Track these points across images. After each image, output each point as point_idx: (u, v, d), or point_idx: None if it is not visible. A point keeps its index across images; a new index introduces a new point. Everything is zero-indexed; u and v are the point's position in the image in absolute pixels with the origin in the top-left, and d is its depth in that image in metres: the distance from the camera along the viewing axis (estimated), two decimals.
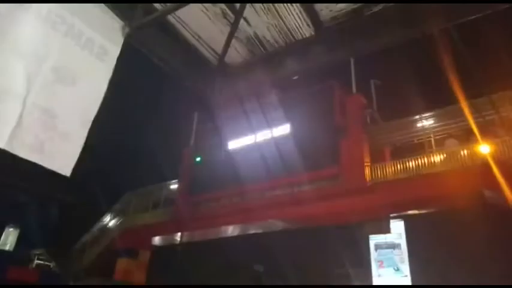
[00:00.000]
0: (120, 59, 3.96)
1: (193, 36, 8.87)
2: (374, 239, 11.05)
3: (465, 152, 9.23)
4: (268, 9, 9.17)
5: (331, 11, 9.67)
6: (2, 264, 11.09)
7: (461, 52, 9.73)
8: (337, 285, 10.68)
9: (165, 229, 13.57)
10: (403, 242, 10.67)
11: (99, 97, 3.75)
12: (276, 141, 11.96)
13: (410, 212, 9.96)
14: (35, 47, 3.19)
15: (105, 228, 15.57)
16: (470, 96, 9.39)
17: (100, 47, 3.79)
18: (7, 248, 14.00)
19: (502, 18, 9.15)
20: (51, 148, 3.29)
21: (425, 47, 9.97)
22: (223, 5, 8.62)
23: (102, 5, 3.99)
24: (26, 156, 3.11)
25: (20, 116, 3.03)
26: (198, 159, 13.85)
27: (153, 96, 13.05)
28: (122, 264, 14.01)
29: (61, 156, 3.39)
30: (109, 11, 4.11)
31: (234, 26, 8.78)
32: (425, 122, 10.37)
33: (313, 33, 10.12)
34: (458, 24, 10.06)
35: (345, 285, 11.20)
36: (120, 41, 4.09)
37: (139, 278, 13.96)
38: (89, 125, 3.62)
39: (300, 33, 10.11)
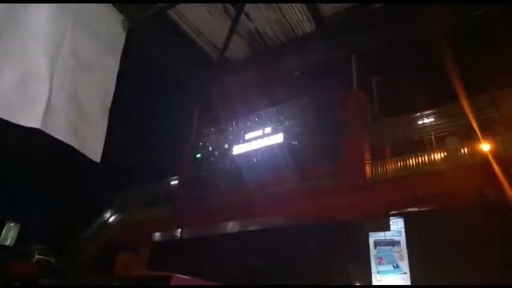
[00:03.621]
0: (123, 52, 3.97)
1: (194, 31, 8.87)
2: (374, 236, 11.07)
3: (466, 149, 9.21)
4: (270, 5, 9.15)
5: (332, 6, 9.66)
6: (2, 259, 11.13)
7: (463, 49, 9.71)
8: (338, 285, 10.70)
9: (165, 225, 13.59)
10: (402, 239, 10.70)
11: (112, 86, 3.78)
12: (277, 139, 11.95)
13: (410, 209, 9.96)
14: (51, 32, 3.19)
15: (105, 223, 15.59)
16: (472, 93, 9.36)
17: (105, 40, 3.81)
18: (8, 243, 14.04)
19: (505, 15, 9.14)
20: (82, 132, 3.28)
21: (427, 43, 9.93)
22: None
23: None
24: (61, 138, 3.08)
25: (49, 99, 3.02)
26: (198, 155, 13.84)
27: (153, 91, 13.02)
28: (122, 259, 14.03)
29: (91, 142, 3.38)
30: (110, 5, 4.13)
31: (235, 22, 8.75)
32: (426, 119, 10.35)
33: (314, 28, 10.11)
34: (460, 21, 10.05)
35: (346, 285, 11.23)
36: (122, 35, 4.10)
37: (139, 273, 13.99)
38: (107, 113, 3.62)
39: (301, 28, 10.09)
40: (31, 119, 2.90)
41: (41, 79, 3.03)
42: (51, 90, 3.06)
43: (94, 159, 3.34)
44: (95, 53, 3.64)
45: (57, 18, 3.28)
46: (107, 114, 3.63)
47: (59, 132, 3.08)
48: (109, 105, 3.67)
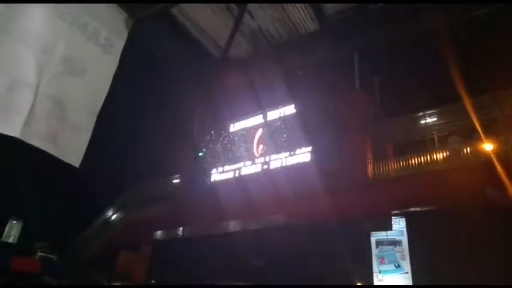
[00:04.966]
0: (124, 51, 3.93)
1: (197, 29, 8.87)
2: (375, 236, 11.11)
3: (468, 149, 9.19)
4: (273, 4, 9.13)
5: (335, 5, 9.65)
6: (5, 256, 11.18)
7: (466, 48, 9.69)
8: (338, 285, 10.71)
9: (166, 223, 13.63)
10: (404, 239, 10.73)
11: (105, 89, 3.74)
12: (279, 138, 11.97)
13: (412, 209, 9.95)
14: (43, 37, 3.17)
15: (107, 222, 15.65)
16: (474, 93, 9.34)
17: (105, 39, 3.76)
18: (10, 240, 14.10)
19: (508, 14, 9.11)
20: (63, 139, 3.29)
21: (430, 43, 9.91)
22: None
23: None
24: (39, 146, 3.09)
25: (33, 106, 3.02)
26: (200, 153, 13.88)
27: (155, 89, 13.05)
28: (124, 257, 14.10)
29: (72, 148, 3.39)
30: (113, 4, 4.09)
31: (238, 20, 8.76)
32: (429, 119, 10.34)
33: (317, 27, 10.10)
34: (463, 20, 10.02)
35: (346, 285, 11.24)
36: (124, 33, 4.05)
37: (140, 270, 14.04)
38: (95, 116, 3.61)
39: (304, 27, 10.08)
40: (11, 128, 2.89)
41: (27, 86, 3.01)
42: (36, 96, 3.05)
43: (73, 164, 3.35)
44: (91, 56, 3.60)
45: (54, 21, 3.25)
46: (94, 118, 3.60)
47: (37, 140, 3.08)
48: (99, 108, 3.64)
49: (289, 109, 11.88)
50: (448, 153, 9.34)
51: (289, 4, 9.42)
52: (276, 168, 11.58)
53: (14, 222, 14.44)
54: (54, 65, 3.22)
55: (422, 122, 10.42)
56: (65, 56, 3.31)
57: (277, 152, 11.67)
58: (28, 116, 2.96)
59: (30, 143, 3.01)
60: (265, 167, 11.90)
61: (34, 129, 3.02)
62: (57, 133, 3.23)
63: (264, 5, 9.22)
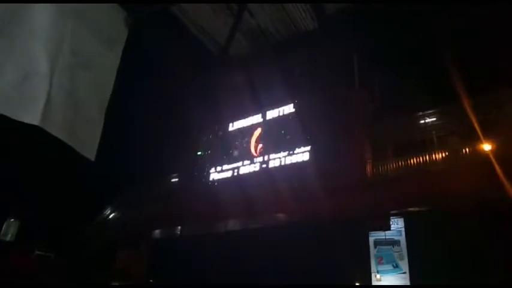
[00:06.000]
0: (124, 49, 3.98)
1: (197, 28, 8.83)
2: (374, 236, 11.14)
3: (467, 149, 9.18)
4: (272, 2, 9.11)
5: (336, 4, 9.63)
6: (1, 255, 11.15)
7: (466, 48, 9.69)
8: (338, 284, 10.72)
9: (165, 222, 13.61)
10: (402, 239, 10.77)
11: (111, 85, 3.81)
12: (278, 137, 11.95)
13: (410, 209, 9.95)
14: (51, 30, 3.26)
15: (105, 220, 15.61)
16: (474, 93, 9.33)
17: (107, 37, 3.81)
18: (8, 238, 14.06)
19: (508, 14, 9.10)
20: (78, 130, 3.34)
21: (430, 42, 9.91)
22: None
23: None
24: (59, 136, 3.14)
25: (49, 95, 3.09)
26: (199, 152, 13.85)
27: (155, 87, 13.01)
28: (122, 256, 14.10)
29: (87, 140, 3.42)
30: (112, 3, 4.13)
31: (238, 19, 8.73)
32: (429, 119, 10.32)
33: (317, 26, 10.09)
34: (464, 20, 10.01)
35: (346, 285, 11.25)
36: (124, 31, 4.10)
37: (139, 270, 14.04)
38: (104, 112, 3.64)
39: (304, 25, 10.06)
40: (30, 116, 2.96)
41: (42, 76, 3.09)
42: (51, 87, 3.12)
43: (90, 158, 3.38)
44: (95, 51, 3.67)
45: (58, 17, 3.33)
46: (104, 113, 3.65)
47: (57, 130, 3.13)
48: (106, 104, 3.68)
49: (289, 108, 11.89)
50: (447, 153, 9.33)
51: (289, 3, 9.38)
52: (274, 167, 11.57)
53: (12, 220, 14.41)
54: (64, 57, 3.30)
55: (422, 122, 10.40)
56: (72, 49, 3.39)
57: (276, 151, 11.65)
58: (45, 105, 3.03)
59: (50, 131, 3.05)
60: (264, 166, 11.89)
61: (52, 119, 3.07)
62: (73, 124, 3.28)
63: (264, 3, 9.17)
